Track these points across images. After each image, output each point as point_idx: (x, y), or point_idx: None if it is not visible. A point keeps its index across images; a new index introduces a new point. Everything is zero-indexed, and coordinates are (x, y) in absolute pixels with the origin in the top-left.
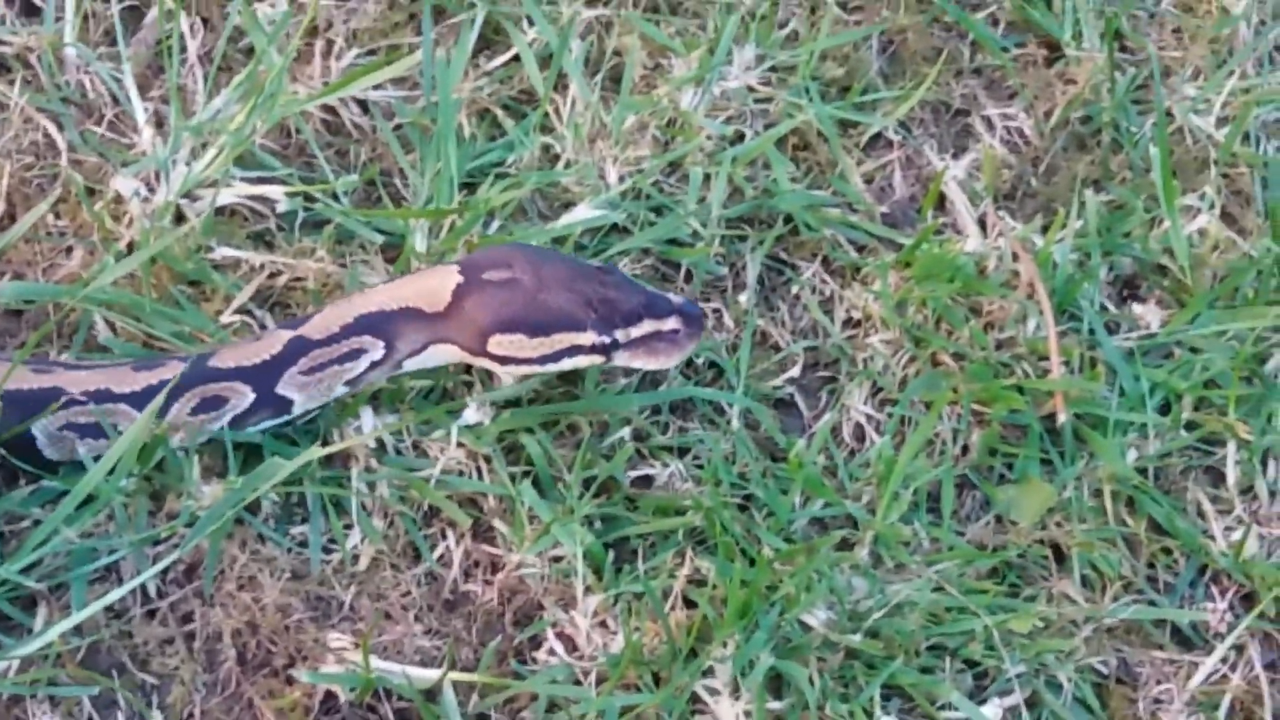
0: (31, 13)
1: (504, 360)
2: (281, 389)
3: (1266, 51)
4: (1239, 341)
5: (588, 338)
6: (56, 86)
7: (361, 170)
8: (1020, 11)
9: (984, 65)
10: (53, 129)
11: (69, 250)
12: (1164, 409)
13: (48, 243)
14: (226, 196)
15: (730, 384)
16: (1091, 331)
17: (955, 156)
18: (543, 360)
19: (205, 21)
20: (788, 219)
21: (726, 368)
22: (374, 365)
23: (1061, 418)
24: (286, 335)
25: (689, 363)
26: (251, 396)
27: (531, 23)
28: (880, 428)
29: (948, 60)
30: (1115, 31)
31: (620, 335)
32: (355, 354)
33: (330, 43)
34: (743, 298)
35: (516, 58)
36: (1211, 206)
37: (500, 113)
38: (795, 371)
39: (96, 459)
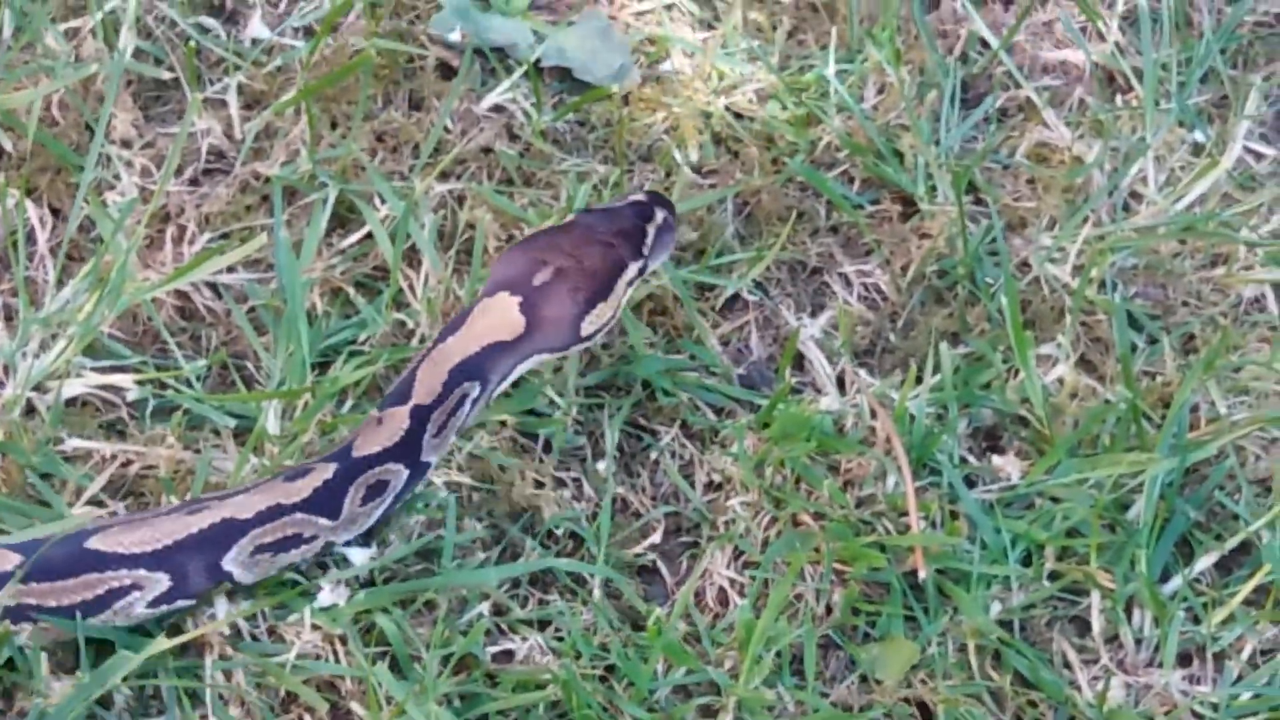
0: None
1: (593, 334)
2: (425, 456)
3: (1119, 199)
4: (1099, 489)
5: (633, 269)
6: None
7: (211, 354)
8: (873, 169)
9: (839, 223)
10: None
11: None
12: (1026, 560)
13: None
14: (75, 387)
15: (591, 553)
16: (951, 485)
17: (812, 315)
18: (617, 311)
19: (55, 212)
20: (645, 384)
21: (587, 537)
22: (474, 404)
23: (923, 574)
24: (403, 409)
25: (549, 533)
26: (406, 473)
27: (383, 200)
28: (743, 591)
29: (803, 219)
30: (968, 185)
31: (645, 250)
32: (460, 402)
33: (182, 228)
34: (601, 465)
35: (369, 235)
36: (1068, 355)
37: (352, 291)
38: (657, 538)
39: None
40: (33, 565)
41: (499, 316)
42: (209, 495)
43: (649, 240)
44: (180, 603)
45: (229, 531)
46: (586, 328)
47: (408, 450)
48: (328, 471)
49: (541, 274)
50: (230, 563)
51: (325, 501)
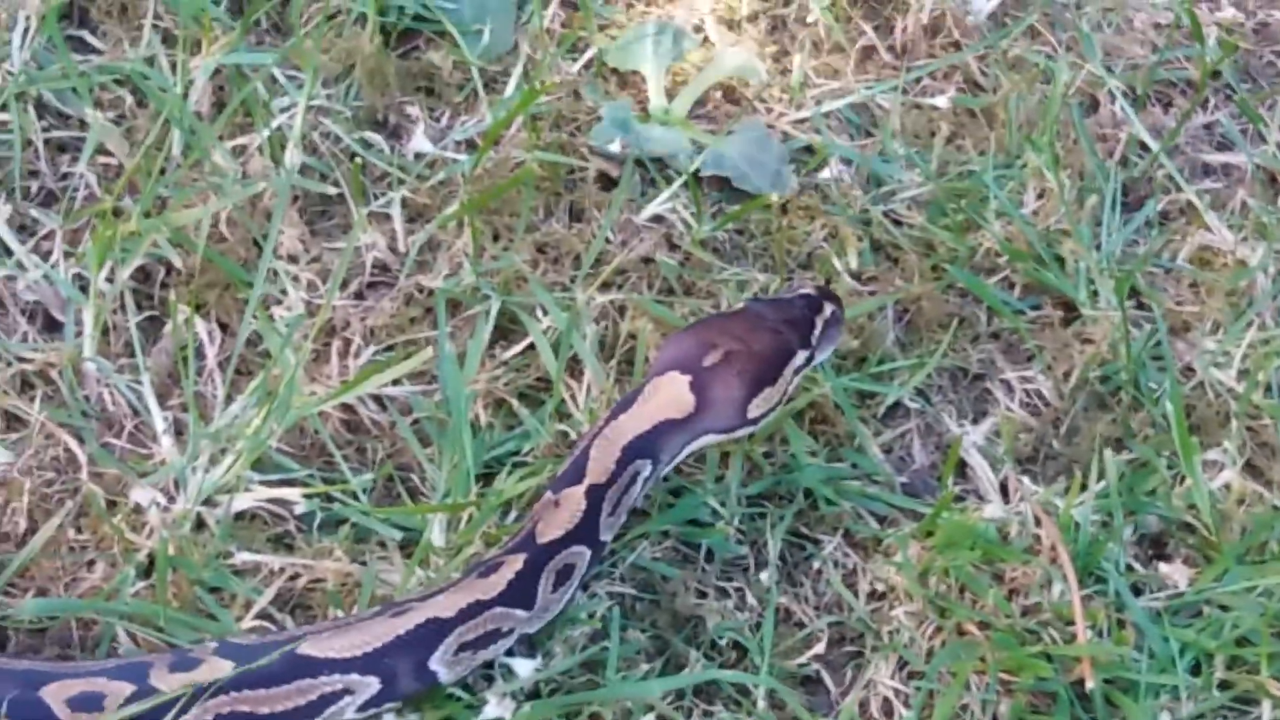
0: (53, 328)
1: (759, 419)
2: (602, 536)
3: None
4: (1268, 597)
5: (800, 358)
6: (77, 401)
7: (377, 468)
8: (1034, 274)
9: (1000, 329)
10: (73, 443)
11: (90, 564)
12: (1195, 669)
13: (70, 558)
14: (244, 502)
15: (754, 664)
16: (1117, 593)
17: (974, 422)
18: (783, 398)
19: (224, 327)
20: (807, 493)
21: (750, 647)
22: (644, 483)
23: (1090, 684)
24: (579, 490)
25: (712, 644)
26: (588, 554)
27: (545, 311)
28: (909, 701)
29: (964, 326)
30: (1130, 289)
31: (812, 341)
32: (632, 480)
33: (347, 341)
34: (764, 575)
35: (532, 346)
36: (1235, 461)
37: (516, 402)
38: (820, 648)
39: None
40: (247, 673)
41: (670, 395)
42: (409, 598)
43: (817, 331)
44: (387, 706)
45: (435, 632)
46: (754, 411)
47: (588, 531)
48: (518, 563)
49: (711, 356)
50: (436, 663)
51: (520, 593)
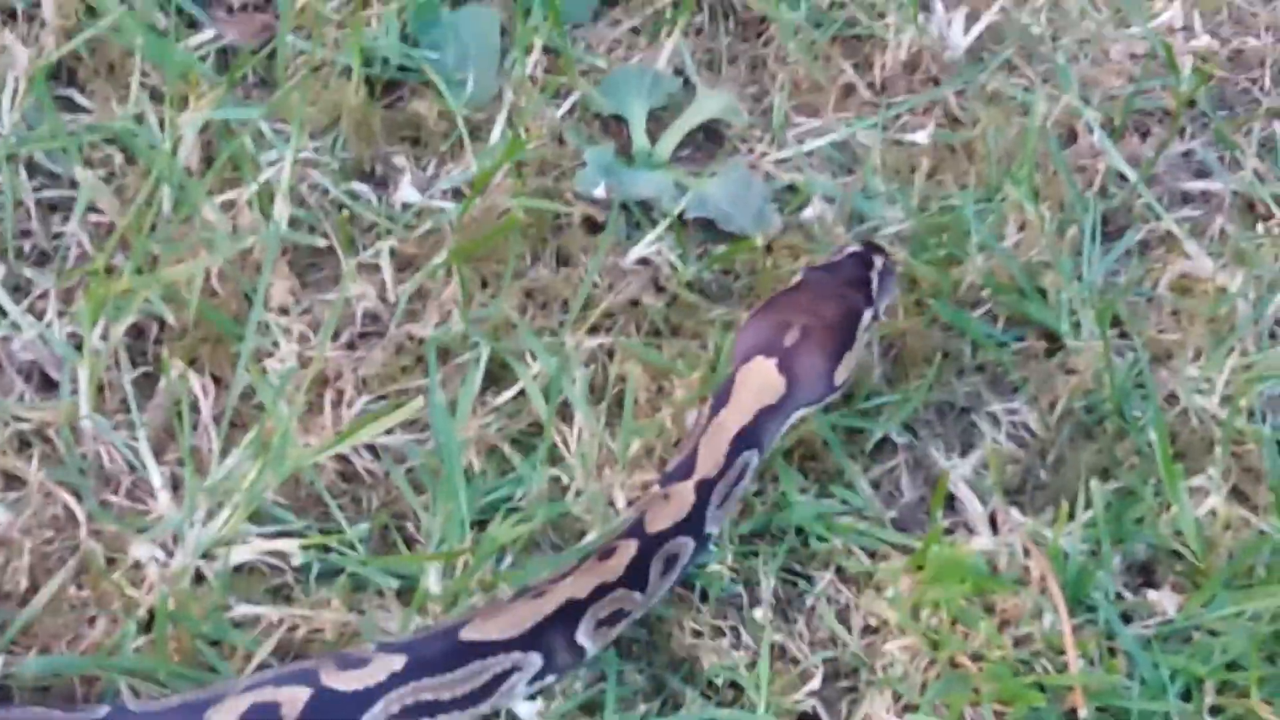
0: (49, 387)
1: (844, 383)
2: (708, 528)
3: (1265, 327)
4: (1257, 621)
5: (868, 316)
6: (74, 459)
7: (373, 518)
8: (1017, 306)
9: (985, 362)
10: (72, 501)
11: (92, 620)
12: (1186, 695)
13: (71, 615)
14: (242, 554)
15: (751, 702)
16: (1108, 622)
17: (962, 455)
18: (859, 358)
19: (218, 381)
20: (799, 531)
21: (746, 686)
22: (752, 473)
23: (1083, 713)
24: (689, 485)
25: (709, 683)
26: (693, 545)
27: (535, 356)
28: None
29: (949, 359)
30: (1112, 318)
31: (874, 296)
32: (742, 472)
33: (340, 392)
34: (758, 613)
35: (523, 392)
36: (1220, 487)
37: (508, 448)
38: (816, 684)
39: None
40: (416, 665)
41: (761, 380)
42: (537, 582)
43: (875, 286)
44: (550, 679)
45: (574, 610)
46: (839, 377)
47: (694, 523)
48: (631, 549)
49: (790, 334)
50: (583, 637)
51: (635, 577)
